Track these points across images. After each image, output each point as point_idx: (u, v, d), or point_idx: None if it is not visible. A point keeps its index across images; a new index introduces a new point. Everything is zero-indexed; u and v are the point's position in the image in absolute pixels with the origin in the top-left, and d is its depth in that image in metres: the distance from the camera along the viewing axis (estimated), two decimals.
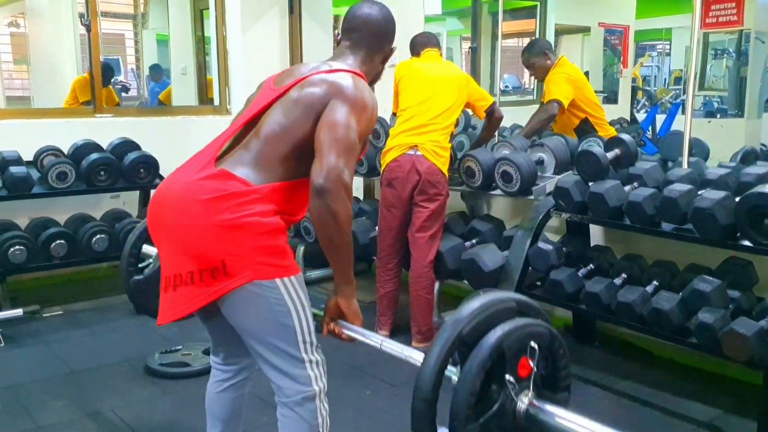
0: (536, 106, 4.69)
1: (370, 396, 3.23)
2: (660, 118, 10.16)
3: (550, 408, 1.48)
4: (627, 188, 3.26)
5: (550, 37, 7.74)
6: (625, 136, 3.47)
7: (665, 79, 15.80)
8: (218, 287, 1.74)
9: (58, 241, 4.25)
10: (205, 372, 3.39)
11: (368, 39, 2.08)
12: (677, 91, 11.65)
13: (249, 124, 1.91)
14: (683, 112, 9.22)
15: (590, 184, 3.34)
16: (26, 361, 3.61)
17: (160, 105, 8.13)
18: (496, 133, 4.29)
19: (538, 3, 7.73)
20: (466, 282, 3.76)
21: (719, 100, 9.13)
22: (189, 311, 1.79)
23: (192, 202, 1.75)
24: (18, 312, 3.86)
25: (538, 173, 3.71)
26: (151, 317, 2.64)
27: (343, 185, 1.72)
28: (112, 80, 7.74)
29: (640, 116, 10.46)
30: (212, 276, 1.73)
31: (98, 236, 4.37)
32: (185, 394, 3.22)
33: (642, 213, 3.06)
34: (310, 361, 1.87)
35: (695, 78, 3.40)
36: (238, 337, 2.05)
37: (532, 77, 5.15)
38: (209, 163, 1.81)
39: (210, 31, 5.96)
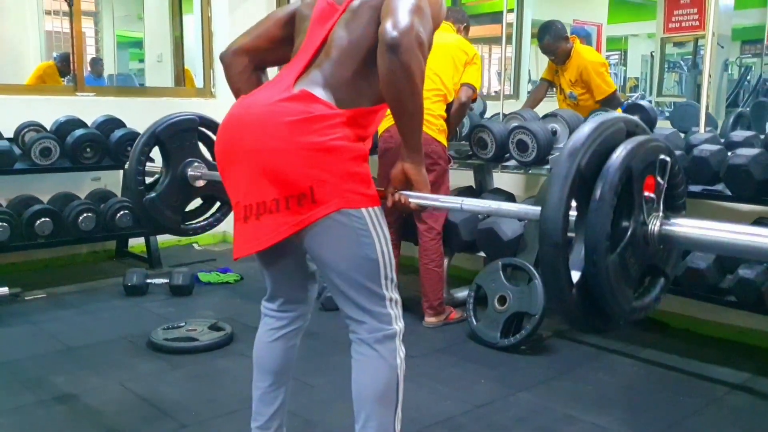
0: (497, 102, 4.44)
1: None
2: None
3: (683, 221, 1.38)
4: None
5: (527, 35, 7.71)
6: (644, 102, 3.45)
7: (621, 86, 16.17)
8: (305, 216, 1.61)
9: (43, 219, 3.99)
10: (214, 347, 3.26)
11: None
12: (641, 94, 11.88)
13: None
14: None
15: None
16: (16, 339, 3.35)
17: None
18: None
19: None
20: (474, 259, 3.67)
21: (671, 106, 9.36)
22: (275, 241, 1.64)
23: (277, 124, 1.60)
24: (4, 290, 3.59)
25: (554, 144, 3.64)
26: (171, 234, 2.55)
27: (419, 42, 1.56)
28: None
29: None
30: (299, 203, 1.60)
31: (85, 215, 4.13)
32: (196, 368, 3.03)
33: None
34: (391, 299, 1.74)
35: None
36: (301, 281, 1.93)
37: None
38: (289, 86, 1.67)
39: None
